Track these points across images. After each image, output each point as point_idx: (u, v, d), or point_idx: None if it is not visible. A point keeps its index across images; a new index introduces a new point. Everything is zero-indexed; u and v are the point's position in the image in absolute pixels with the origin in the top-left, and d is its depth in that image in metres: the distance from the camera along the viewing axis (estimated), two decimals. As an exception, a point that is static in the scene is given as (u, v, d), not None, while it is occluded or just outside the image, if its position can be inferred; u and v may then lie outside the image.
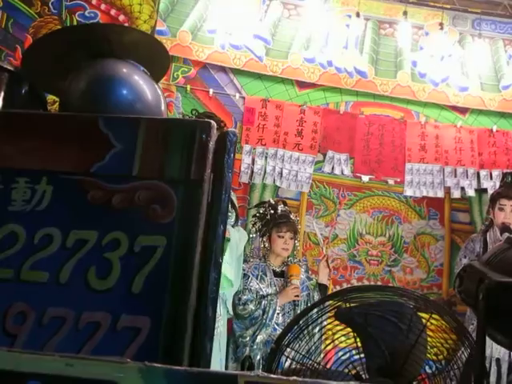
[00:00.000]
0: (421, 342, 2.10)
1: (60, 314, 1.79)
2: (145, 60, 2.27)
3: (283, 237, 5.75)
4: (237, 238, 5.29)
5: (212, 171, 1.89)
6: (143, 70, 2.23)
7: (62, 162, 1.91)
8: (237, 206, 5.59)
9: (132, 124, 1.92)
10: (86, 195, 1.86)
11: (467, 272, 1.79)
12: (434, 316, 2.12)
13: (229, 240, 5.09)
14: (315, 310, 2.14)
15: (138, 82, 2.20)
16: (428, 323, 2.14)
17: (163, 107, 2.24)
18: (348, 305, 2.11)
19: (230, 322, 5.52)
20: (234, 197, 5.60)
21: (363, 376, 2.10)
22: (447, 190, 7.47)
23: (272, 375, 1.66)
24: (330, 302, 2.14)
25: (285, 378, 1.56)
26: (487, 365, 6.11)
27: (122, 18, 5.30)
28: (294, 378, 1.38)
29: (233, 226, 5.32)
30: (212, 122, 1.89)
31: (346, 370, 2.10)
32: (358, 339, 2.12)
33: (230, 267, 5.09)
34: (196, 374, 1.45)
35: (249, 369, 5.11)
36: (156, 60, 2.38)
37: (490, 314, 1.67)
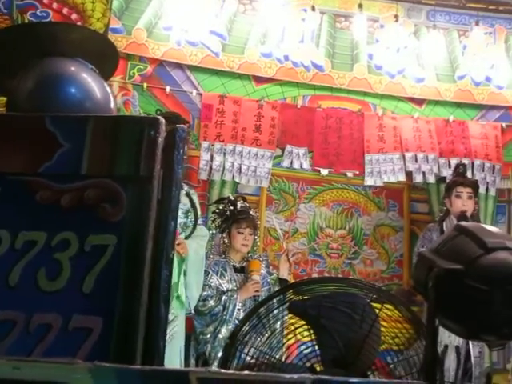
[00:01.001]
0: (374, 332, 2.11)
1: (10, 317, 1.77)
2: (93, 58, 2.25)
3: (243, 233, 5.77)
4: (193, 248, 5.29)
5: (162, 168, 1.88)
6: (91, 68, 2.21)
7: (10, 163, 1.89)
8: (197, 205, 5.57)
9: (80, 122, 1.91)
10: (35, 196, 1.85)
11: (417, 261, 1.80)
12: (388, 306, 2.13)
13: (183, 260, 5.10)
14: (269, 303, 2.14)
15: (86, 80, 2.18)
16: (383, 313, 2.14)
17: (112, 105, 2.22)
18: (301, 297, 2.11)
19: (190, 319, 5.51)
20: (194, 195, 5.59)
21: (318, 368, 2.10)
22: (409, 177, 7.50)
23: (223, 371, 1.66)
24: (283, 295, 2.14)
25: (237, 372, 1.55)
26: (449, 352, 6.17)
27: (74, 16, 5.25)
28: (246, 372, 1.37)
29: (194, 227, 5.32)
30: (160, 118, 1.88)
31: (301, 363, 2.10)
32: (312, 331, 2.12)
33: (183, 287, 5.11)
34: (147, 372, 1.44)
35: (203, 365, 5.10)
36: (105, 58, 2.36)
37: (440, 302, 1.68)
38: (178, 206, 1.91)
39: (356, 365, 2.05)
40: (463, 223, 1.80)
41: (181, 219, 5.26)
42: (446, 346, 6.17)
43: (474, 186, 6.63)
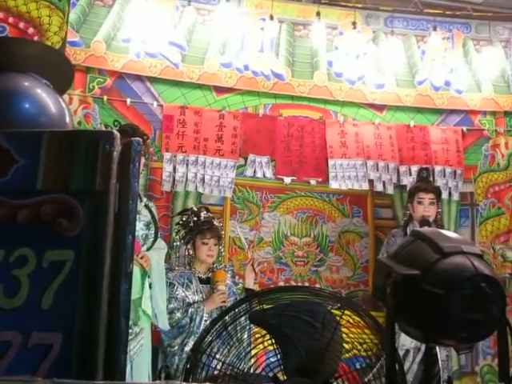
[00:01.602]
0: (335, 340, 2.11)
1: (-32, 337, 1.75)
2: (48, 73, 2.23)
3: (207, 243, 5.76)
4: (156, 260, 5.28)
5: (118, 181, 1.87)
6: (45, 83, 2.20)
7: (-35, 180, 1.88)
8: (157, 217, 5.55)
9: (34, 138, 1.89)
10: (-10, 213, 1.83)
11: (376, 267, 1.81)
12: (349, 313, 2.14)
13: (147, 273, 5.08)
14: (231, 314, 2.14)
15: (40, 95, 2.17)
16: (344, 321, 2.15)
17: (68, 119, 2.21)
18: (262, 307, 2.11)
19: (157, 332, 5.48)
20: (153, 208, 5.56)
21: (281, 377, 2.10)
22: (371, 184, 7.54)
23: (182, 383, 1.65)
24: (243, 305, 2.14)
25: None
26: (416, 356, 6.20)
27: (31, 30, 5.22)
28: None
29: (155, 239, 5.31)
30: (115, 132, 1.87)
31: (264, 373, 2.10)
32: (274, 341, 2.12)
33: (148, 301, 5.09)
34: (107, 387, 1.44)
35: (166, 378, 5.08)
36: (59, 72, 2.34)
37: (399, 308, 1.69)
38: (136, 219, 1.90)
39: (319, 372, 2.05)
40: (420, 229, 1.82)
41: (143, 231, 5.25)
42: (408, 350, 6.19)
43: (436, 191, 6.65)
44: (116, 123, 5.70)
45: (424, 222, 6.30)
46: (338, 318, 2.16)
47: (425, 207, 6.49)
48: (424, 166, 7.50)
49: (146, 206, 5.37)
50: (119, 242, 1.85)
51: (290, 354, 2.08)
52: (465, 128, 7.93)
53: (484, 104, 7.98)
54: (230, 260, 7.09)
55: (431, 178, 7.29)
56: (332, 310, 2.14)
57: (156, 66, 7.15)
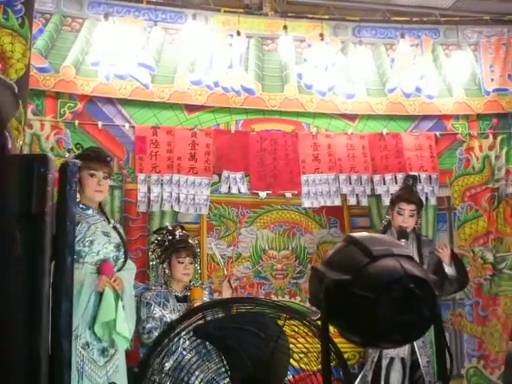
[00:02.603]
0: (279, 348, 2.11)
1: None
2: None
3: (183, 262, 5.78)
4: (127, 280, 5.29)
5: (54, 203, 1.88)
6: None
7: None
8: (125, 238, 5.56)
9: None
10: None
11: (311, 274, 1.82)
12: (293, 322, 2.14)
13: (119, 296, 5.09)
14: (176, 330, 2.15)
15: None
16: (289, 329, 2.15)
17: (9, 146, 2.21)
18: (204, 320, 2.12)
19: (135, 352, 5.48)
20: (121, 229, 5.56)
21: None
22: (344, 198, 7.56)
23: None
24: (188, 321, 2.14)
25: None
26: (396, 365, 6.20)
27: (-7, 58, 5.24)
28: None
29: (125, 260, 5.33)
30: (49, 155, 1.88)
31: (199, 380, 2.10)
32: (219, 353, 2.13)
33: (124, 323, 5.09)
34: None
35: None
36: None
37: (334, 313, 1.70)
38: (74, 240, 1.91)
39: (267, 382, 2.06)
40: (353, 234, 1.83)
41: (113, 253, 5.26)
42: (392, 359, 6.20)
43: (418, 202, 6.47)
44: (78, 146, 5.68)
45: (402, 232, 6.26)
46: (281, 326, 2.17)
47: (404, 218, 6.35)
48: (398, 174, 7.54)
49: (114, 228, 5.39)
50: (59, 264, 1.86)
51: (236, 365, 2.08)
52: (438, 133, 7.96)
53: (456, 108, 8.01)
54: (209, 277, 7.10)
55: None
56: (277, 320, 2.15)
57: (126, 88, 7.15)
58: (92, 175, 5.26)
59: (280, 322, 2.14)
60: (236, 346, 2.04)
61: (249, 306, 2.15)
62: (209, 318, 2.09)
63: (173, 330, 2.12)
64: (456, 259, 6.42)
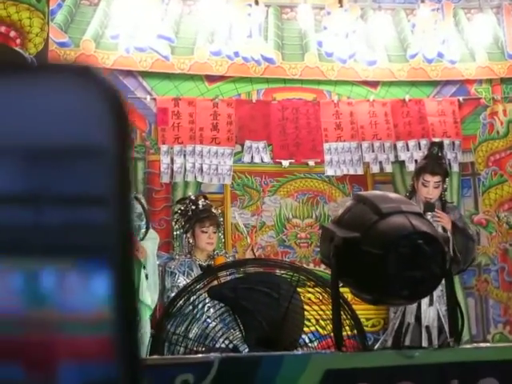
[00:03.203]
0: (293, 308, 2.12)
1: None
2: None
3: (207, 231, 5.81)
4: (150, 250, 5.33)
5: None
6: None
7: None
8: (146, 208, 5.60)
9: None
10: None
11: (321, 234, 1.83)
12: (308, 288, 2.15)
13: (142, 265, 5.14)
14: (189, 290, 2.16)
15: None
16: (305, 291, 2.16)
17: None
18: (219, 281, 2.13)
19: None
20: (143, 199, 5.60)
21: (242, 349, 2.12)
22: (367, 166, 7.54)
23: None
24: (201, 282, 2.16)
25: (147, 358, 1.57)
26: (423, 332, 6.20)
27: (12, 34, 5.26)
28: (156, 356, 1.40)
29: (147, 230, 5.36)
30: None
31: (224, 346, 2.12)
32: (233, 314, 2.15)
33: (149, 292, 5.15)
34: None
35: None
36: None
37: (344, 271, 1.70)
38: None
39: (279, 342, 2.07)
40: (362, 192, 1.83)
41: (135, 223, 5.31)
42: (409, 324, 6.18)
43: (443, 173, 6.29)
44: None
45: (428, 206, 6.14)
46: (295, 285, 2.17)
47: (428, 190, 6.21)
48: (421, 139, 7.50)
49: (136, 198, 5.42)
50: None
51: (251, 325, 2.10)
52: (461, 98, 7.89)
53: (479, 72, 7.93)
54: (233, 246, 7.13)
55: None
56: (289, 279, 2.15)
57: (146, 60, 7.15)
58: None
59: (294, 283, 2.15)
60: (250, 307, 2.05)
61: (258, 266, 2.16)
62: (222, 280, 2.11)
63: (186, 291, 2.13)
64: (458, 233, 6.20)
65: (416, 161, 7.06)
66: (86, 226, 0.75)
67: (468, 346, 2.04)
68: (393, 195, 1.84)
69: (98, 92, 0.77)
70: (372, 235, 1.67)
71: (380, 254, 1.64)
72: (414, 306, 5.83)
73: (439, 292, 5.62)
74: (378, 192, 1.85)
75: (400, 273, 1.65)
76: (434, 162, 6.36)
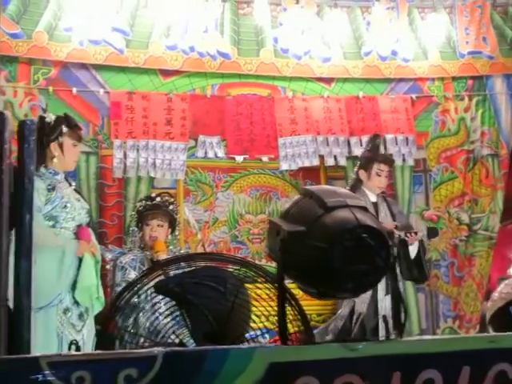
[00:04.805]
0: (239, 303, 2.12)
1: None
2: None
3: (149, 225, 5.86)
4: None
5: (12, 162, 1.88)
6: None
7: None
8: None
9: None
10: None
11: (268, 228, 1.83)
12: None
13: (97, 261, 5.16)
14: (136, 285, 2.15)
15: None
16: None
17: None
18: (165, 276, 2.13)
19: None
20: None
21: (188, 344, 2.12)
22: (321, 159, 7.57)
23: (74, 353, 1.67)
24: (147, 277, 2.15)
25: (88, 352, 1.56)
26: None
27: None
28: (98, 351, 1.39)
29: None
30: (6, 112, 1.88)
31: (170, 341, 2.12)
32: (179, 308, 2.14)
33: (100, 286, 5.19)
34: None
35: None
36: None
37: (290, 265, 1.71)
38: (33, 197, 1.91)
39: (226, 337, 2.07)
40: (309, 186, 1.84)
41: (87, 218, 5.33)
42: (360, 314, 6.23)
43: (393, 163, 6.76)
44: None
45: (432, 231, 6.45)
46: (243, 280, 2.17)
47: (381, 179, 6.53)
48: (390, 135, 7.62)
49: (76, 191, 5.45)
50: (17, 221, 1.86)
51: (198, 320, 2.10)
52: (414, 96, 7.99)
53: (432, 71, 8.05)
54: (185, 242, 7.12)
55: (382, 147, 7.28)
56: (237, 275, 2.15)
57: (100, 53, 7.08)
58: (75, 145, 5.36)
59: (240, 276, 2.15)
60: (196, 301, 2.05)
61: (204, 260, 2.16)
62: (169, 274, 2.11)
63: (132, 285, 2.12)
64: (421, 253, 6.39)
65: (363, 154, 7.10)
66: None
67: (410, 338, 2.08)
68: (340, 190, 1.85)
69: None
70: (317, 229, 1.68)
71: (325, 247, 1.65)
72: (368, 295, 5.88)
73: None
74: (325, 186, 1.87)
75: (345, 266, 1.66)
76: (384, 153, 6.58)
